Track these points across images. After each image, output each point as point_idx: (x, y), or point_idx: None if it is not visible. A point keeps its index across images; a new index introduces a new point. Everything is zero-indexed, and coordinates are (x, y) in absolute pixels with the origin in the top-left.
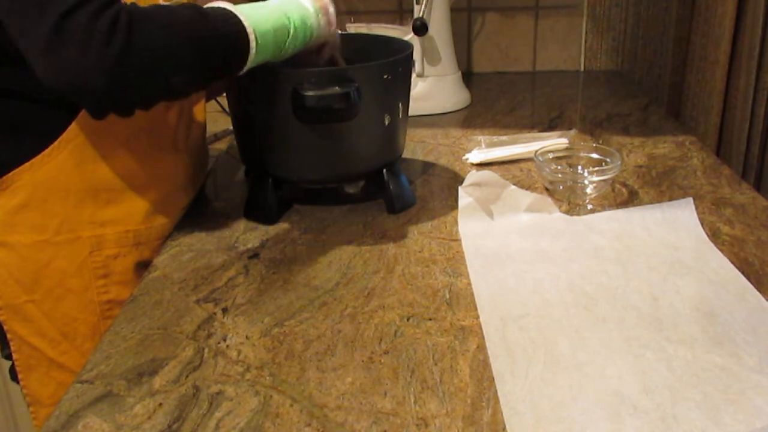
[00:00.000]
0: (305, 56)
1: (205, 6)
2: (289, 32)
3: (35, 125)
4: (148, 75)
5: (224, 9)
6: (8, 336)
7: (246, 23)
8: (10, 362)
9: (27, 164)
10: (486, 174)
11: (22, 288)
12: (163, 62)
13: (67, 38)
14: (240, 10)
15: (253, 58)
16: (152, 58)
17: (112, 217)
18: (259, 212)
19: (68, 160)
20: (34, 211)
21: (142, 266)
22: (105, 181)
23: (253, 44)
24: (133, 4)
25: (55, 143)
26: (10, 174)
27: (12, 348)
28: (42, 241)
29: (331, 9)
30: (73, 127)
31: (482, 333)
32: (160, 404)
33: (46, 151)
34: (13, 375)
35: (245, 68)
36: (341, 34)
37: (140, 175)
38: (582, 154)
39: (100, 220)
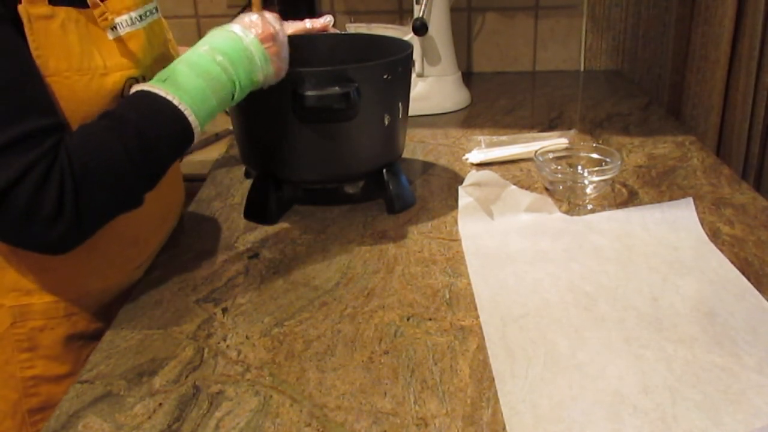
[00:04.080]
0: None
1: (140, 91)
2: (233, 94)
3: None
4: (98, 226)
5: (158, 99)
6: None
7: (187, 113)
8: None
9: None
10: (486, 174)
11: None
12: (115, 208)
13: (9, 214)
14: (180, 95)
15: (198, 136)
16: (103, 214)
17: (39, 285)
18: (259, 212)
19: None
20: None
21: (75, 338)
22: None
23: (196, 127)
24: (70, 153)
25: None
26: None
27: None
28: None
29: (284, 53)
30: None
31: (482, 333)
32: (160, 404)
33: None
34: None
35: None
36: (341, 34)
37: None
38: (582, 154)
39: (25, 287)
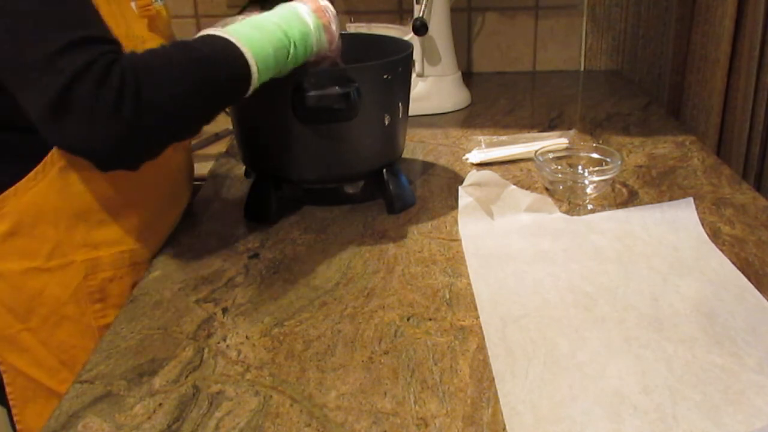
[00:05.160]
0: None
1: (204, 34)
2: (288, 52)
3: (16, 149)
4: (157, 136)
5: (224, 40)
6: (1, 368)
7: (247, 54)
8: None
9: (11, 190)
10: (486, 174)
11: (16, 317)
12: (173, 120)
13: (73, 109)
14: (239, 37)
15: (256, 83)
16: (162, 120)
17: (106, 238)
18: (259, 212)
19: (54, 182)
20: (23, 238)
21: None
22: (96, 201)
23: (255, 74)
24: (133, 58)
25: (39, 166)
26: None
27: (5, 381)
28: (33, 268)
29: (334, 26)
30: (57, 149)
31: (482, 333)
32: (160, 404)
33: (30, 174)
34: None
35: (249, 92)
36: (341, 34)
37: (131, 192)
38: (582, 154)
39: (94, 242)
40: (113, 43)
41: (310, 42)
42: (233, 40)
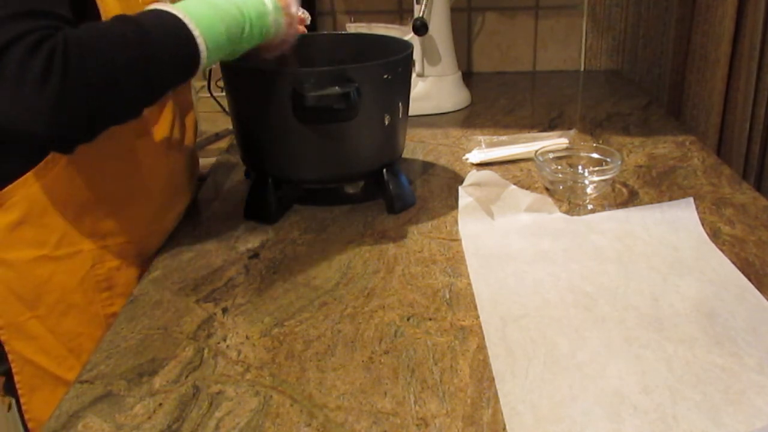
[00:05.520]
0: (255, 51)
1: (152, 8)
2: (243, 31)
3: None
4: (88, 112)
5: (172, 17)
6: (9, 356)
7: (192, 28)
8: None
9: (21, 180)
10: (486, 174)
11: (25, 305)
12: (105, 96)
13: (1, 76)
14: (188, 13)
15: (206, 63)
16: (92, 94)
17: (113, 228)
18: (259, 212)
19: (63, 173)
20: (32, 227)
21: None
22: (103, 192)
23: (203, 49)
24: (70, 32)
25: (49, 157)
26: (4, 190)
27: (13, 369)
28: (42, 256)
29: (294, 9)
30: None
31: (482, 333)
32: (160, 404)
33: (40, 165)
34: (6, 389)
35: (198, 72)
36: (341, 34)
37: (139, 184)
38: (582, 154)
39: (101, 232)
40: (59, 19)
41: (266, 22)
42: (181, 16)
